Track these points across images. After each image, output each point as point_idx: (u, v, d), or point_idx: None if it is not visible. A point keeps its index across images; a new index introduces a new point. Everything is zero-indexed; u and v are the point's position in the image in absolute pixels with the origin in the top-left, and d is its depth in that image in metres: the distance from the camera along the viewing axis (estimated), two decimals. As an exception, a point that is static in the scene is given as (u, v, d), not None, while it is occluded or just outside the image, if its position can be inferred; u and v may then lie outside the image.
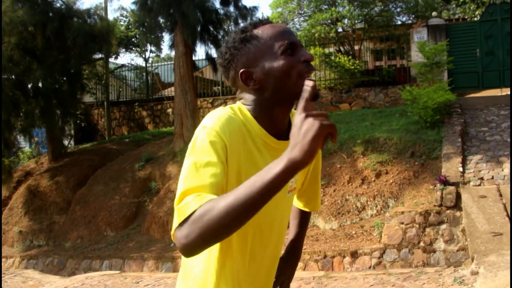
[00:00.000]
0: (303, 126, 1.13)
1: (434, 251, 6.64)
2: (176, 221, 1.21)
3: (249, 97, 1.47)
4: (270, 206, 1.47)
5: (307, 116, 1.14)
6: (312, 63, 1.46)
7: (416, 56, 12.31)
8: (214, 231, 1.16)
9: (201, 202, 1.18)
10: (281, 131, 1.50)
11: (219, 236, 1.19)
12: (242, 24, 1.50)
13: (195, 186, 1.24)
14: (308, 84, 1.22)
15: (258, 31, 1.45)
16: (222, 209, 1.14)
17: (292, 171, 1.13)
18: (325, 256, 7.20)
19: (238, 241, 1.45)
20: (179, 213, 1.21)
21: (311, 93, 1.20)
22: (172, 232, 1.23)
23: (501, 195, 6.93)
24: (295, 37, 1.45)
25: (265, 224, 1.50)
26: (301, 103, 1.20)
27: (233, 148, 1.36)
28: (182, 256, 1.50)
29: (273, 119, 1.47)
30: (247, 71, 1.43)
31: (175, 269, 8.18)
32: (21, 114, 13.90)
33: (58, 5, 14.32)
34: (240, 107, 1.47)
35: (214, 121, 1.36)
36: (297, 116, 1.17)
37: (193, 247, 1.19)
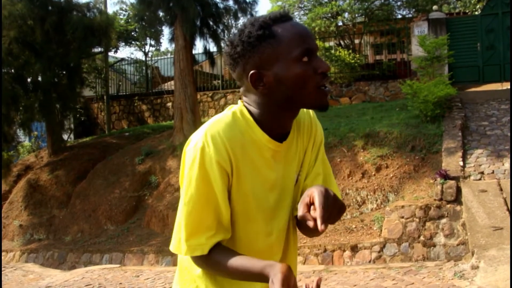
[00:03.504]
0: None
1: (434, 245, 6.64)
2: (182, 250, 1.38)
3: (255, 99, 1.39)
4: (273, 204, 1.47)
5: None
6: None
7: (416, 50, 12.26)
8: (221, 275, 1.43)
9: (209, 246, 1.36)
10: (284, 134, 1.45)
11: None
12: (259, 15, 1.37)
13: (203, 224, 1.35)
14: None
15: (277, 29, 1.33)
16: (223, 269, 1.36)
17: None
18: (325, 250, 7.20)
19: (239, 237, 1.44)
20: (189, 249, 1.36)
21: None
22: (173, 249, 1.41)
23: (501, 190, 6.93)
24: (314, 42, 1.37)
25: (275, 231, 1.47)
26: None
27: (233, 165, 1.34)
28: None
29: (278, 124, 1.40)
30: (258, 73, 1.33)
31: (175, 263, 8.17)
32: (21, 108, 13.87)
33: (57, -2, 14.28)
34: (242, 111, 1.40)
35: (210, 140, 1.31)
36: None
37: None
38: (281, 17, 1.36)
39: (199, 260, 1.39)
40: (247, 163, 1.37)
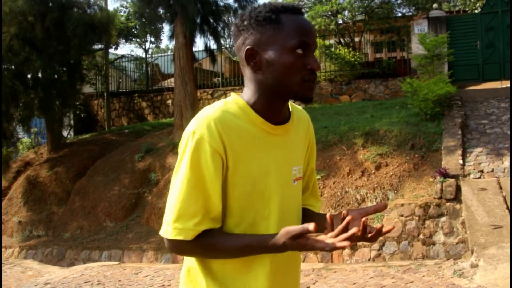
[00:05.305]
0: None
1: (434, 244, 6.65)
2: (168, 233, 1.38)
3: (248, 74, 1.47)
4: (273, 199, 1.48)
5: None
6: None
7: (416, 48, 12.27)
8: (210, 257, 1.44)
9: (194, 233, 1.36)
10: (280, 119, 1.50)
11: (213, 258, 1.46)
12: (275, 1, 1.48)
13: (190, 208, 1.36)
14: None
15: (284, 17, 1.41)
16: (220, 249, 1.38)
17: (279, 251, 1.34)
18: (324, 248, 7.19)
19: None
20: (173, 231, 1.36)
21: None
22: (161, 232, 1.41)
23: (501, 188, 6.93)
24: (314, 39, 1.43)
25: (272, 216, 1.47)
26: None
27: (227, 148, 1.37)
28: None
29: (272, 108, 1.47)
30: (253, 49, 1.42)
31: (175, 260, 8.19)
32: (20, 104, 13.87)
33: (58, -5, 14.26)
34: (235, 99, 1.46)
35: (204, 125, 1.36)
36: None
37: (181, 254, 1.46)
38: (292, 9, 1.44)
39: (184, 245, 1.38)
40: (243, 146, 1.40)
